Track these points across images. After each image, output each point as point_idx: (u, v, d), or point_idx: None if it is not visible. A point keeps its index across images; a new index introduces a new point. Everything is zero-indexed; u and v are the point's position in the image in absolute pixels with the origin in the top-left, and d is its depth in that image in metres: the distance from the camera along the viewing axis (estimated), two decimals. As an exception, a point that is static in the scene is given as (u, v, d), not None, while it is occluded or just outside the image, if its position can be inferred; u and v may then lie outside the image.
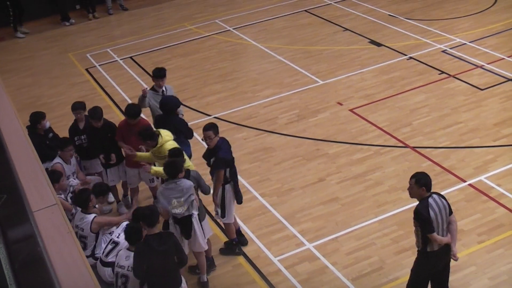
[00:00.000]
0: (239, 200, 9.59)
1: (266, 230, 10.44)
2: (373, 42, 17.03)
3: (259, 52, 17.27)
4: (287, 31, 18.45)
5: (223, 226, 10.02)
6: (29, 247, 3.86)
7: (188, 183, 8.57)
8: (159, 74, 11.06)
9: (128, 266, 7.92)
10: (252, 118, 13.78)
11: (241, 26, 19.06)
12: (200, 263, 9.25)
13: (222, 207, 9.43)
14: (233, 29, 18.91)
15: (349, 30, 17.94)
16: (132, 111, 10.31)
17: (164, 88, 11.10)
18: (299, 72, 15.74)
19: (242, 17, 19.80)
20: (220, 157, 9.16)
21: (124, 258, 8.00)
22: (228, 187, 9.38)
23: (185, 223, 8.73)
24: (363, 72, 15.38)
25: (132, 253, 7.91)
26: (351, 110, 13.68)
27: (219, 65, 16.67)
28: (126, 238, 8.07)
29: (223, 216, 9.52)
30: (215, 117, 13.74)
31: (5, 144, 4.84)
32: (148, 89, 11.23)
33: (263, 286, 9.32)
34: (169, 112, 10.43)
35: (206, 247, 9.14)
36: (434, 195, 7.70)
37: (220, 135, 9.44)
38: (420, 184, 7.64)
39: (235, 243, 9.91)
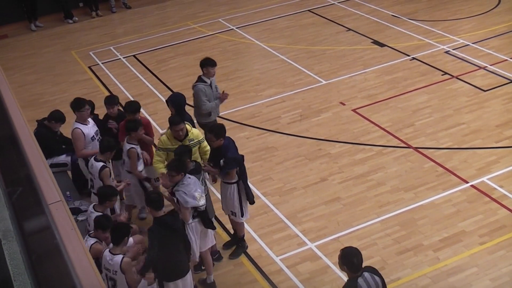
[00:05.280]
0: (251, 200, 9.57)
1: (268, 229, 10.45)
2: (376, 42, 17.03)
3: (262, 51, 17.29)
4: (290, 30, 18.46)
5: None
6: (46, 239, 3.88)
7: (194, 176, 8.63)
8: (211, 63, 11.13)
9: (112, 270, 7.88)
10: (255, 117, 13.78)
11: (245, 25, 19.08)
12: (206, 262, 9.23)
13: (240, 206, 9.43)
14: (236, 28, 18.93)
15: (352, 30, 17.95)
16: (132, 107, 10.31)
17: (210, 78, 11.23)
18: (302, 71, 15.75)
19: (246, 16, 19.82)
20: (231, 156, 9.16)
21: (108, 260, 7.91)
22: (241, 184, 9.37)
23: (205, 214, 8.79)
24: (366, 72, 15.38)
25: (115, 256, 7.88)
26: (353, 110, 13.68)
27: (222, 64, 16.63)
28: (112, 238, 8.02)
29: (242, 215, 9.52)
30: (217, 116, 13.71)
31: (18, 137, 4.86)
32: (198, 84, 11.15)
33: (264, 285, 9.33)
34: (183, 109, 10.47)
35: (214, 242, 9.33)
36: (366, 274, 6.67)
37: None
38: (342, 262, 6.70)
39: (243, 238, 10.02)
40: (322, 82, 15.10)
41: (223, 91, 11.43)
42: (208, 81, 11.15)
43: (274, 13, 19.79)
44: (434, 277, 9.14)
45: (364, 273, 6.65)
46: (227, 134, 9.35)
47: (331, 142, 12.60)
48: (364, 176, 11.56)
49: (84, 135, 10.00)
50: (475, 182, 11.14)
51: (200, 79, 11.16)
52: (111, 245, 8.08)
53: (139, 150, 9.95)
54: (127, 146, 9.84)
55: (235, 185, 9.33)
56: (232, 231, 10.23)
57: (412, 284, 9.07)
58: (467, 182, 11.13)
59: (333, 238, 10.09)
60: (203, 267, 9.41)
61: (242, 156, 9.42)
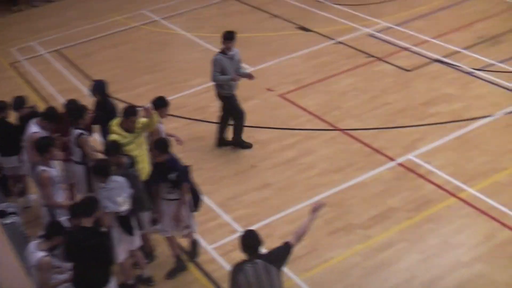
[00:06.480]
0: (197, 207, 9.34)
1: (199, 218, 10.30)
2: (301, 27, 17.13)
3: (188, 41, 17.19)
4: (215, 19, 18.42)
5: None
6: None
7: (121, 178, 8.36)
8: (230, 36, 11.50)
9: (31, 266, 7.66)
10: (183, 107, 13.68)
11: (169, 16, 18.95)
12: (138, 259, 9.09)
13: (190, 218, 9.16)
14: (161, 19, 18.77)
15: (278, 17, 18.03)
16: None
17: (233, 51, 11.57)
18: (229, 60, 15.69)
19: (170, 6, 19.68)
20: (183, 169, 8.90)
21: (31, 251, 7.69)
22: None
23: (126, 220, 8.54)
24: (292, 58, 15.48)
25: (37, 252, 7.61)
26: (281, 96, 13.74)
27: (148, 56, 16.52)
28: (45, 233, 7.80)
29: (190, 227, 9.22)
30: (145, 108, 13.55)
31: None
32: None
33: (197, 275, 9.29)
34: (105, 95, 10.41)
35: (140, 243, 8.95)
36: (259, 261, 6.53)
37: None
38: (240, 243, 6.67)
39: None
40: (249, 69, 15.04)
41: (250, 73, 11.93)
42: (229, 53, 11.49)
43: (199, 3, 19.69)
44: (365, 254, 9.29)
45: (257, 260, 6.52)
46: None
47: (259, 128, 12.61)
48: (293, 160, 11.63)
49: None
50: (402, 159, 11.34)
51: (220, 51, 11.60)
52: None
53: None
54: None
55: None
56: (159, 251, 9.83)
57: (344, 263, 9.19)
58: (394, 160, 11.33)
59: (265, 224, 10.10)
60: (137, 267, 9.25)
61: (188, 165, 9.25)
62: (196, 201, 9.21)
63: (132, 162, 8.85)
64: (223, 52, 11.51)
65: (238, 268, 6.59)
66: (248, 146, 12.10)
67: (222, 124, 12.12)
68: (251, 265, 6.52)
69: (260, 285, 6.50)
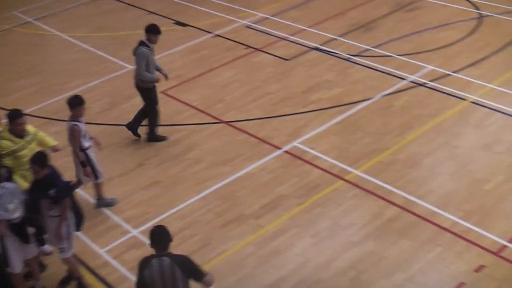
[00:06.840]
0: (80, 227, 8.83)
1: (89, 223, 10.04)
2: (178, 23, 17.06)
3: (64, 42, 16.72)
4: (91, 18, 18.07)
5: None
6: None
7: (12, 184, 8.08)
8: (156, 30, 11.57)
9: None
10: (63, 111, 13.07)
11: (42, 16, 18.45)
12: (33, 269, 8.76)
13: (69, 239, 8.60)
14: (34, 20, 18.19)
15: (154, 13, 17.87)
16: None
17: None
18: (108, 59, 15.43)
19: (42, 7, 19.17)
20: (64, 184, 8.45)
21: None
22: (70, 213, 8.61)
23: (21, 227, 8.17)
24: (171, 54, 15.38)
25: None
26: (163, 92, 13.58)
27: (24, 59, 16.00)
28: None
29: (69, 248, 8.66)
30: (25, 114, 13.02)
31: None
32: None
33: (92, 280, 9.02)
34: None
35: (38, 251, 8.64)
36: (165, 259, 6.40)
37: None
38: (149, 238, 6.54)
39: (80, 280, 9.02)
40: (128, 67, 14.83)
41: (166, 75, 11.93)
42: (151, 47, 11.44)
43: (72, 1, 19.23)
44: (259, 244, 9.33)
45: (164, 257, 6.40)
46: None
47: (144, 127, 12.40)
48: (180, 156, 11.56)
49: None
50: (288, 147, 11.49)
51: (143, 43, 11.41)
52: None
53: None
54: None
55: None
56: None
57: (238, 254, 9.19)
58: (280, 148, 11.46)
59: (156, 222, 9.94)
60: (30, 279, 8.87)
61: (69, 181, 8.85)
62: (78, 221, 8.74)
63: (10, 174, 8.46)
64: (146, 45, 11.39)
65: (145, 262, 6.48)
66: (162, 139, 12.03)
67: (139, 115, 12.01)
68: (157, 260, 6.41)
69: (163, 282, 6.41)
